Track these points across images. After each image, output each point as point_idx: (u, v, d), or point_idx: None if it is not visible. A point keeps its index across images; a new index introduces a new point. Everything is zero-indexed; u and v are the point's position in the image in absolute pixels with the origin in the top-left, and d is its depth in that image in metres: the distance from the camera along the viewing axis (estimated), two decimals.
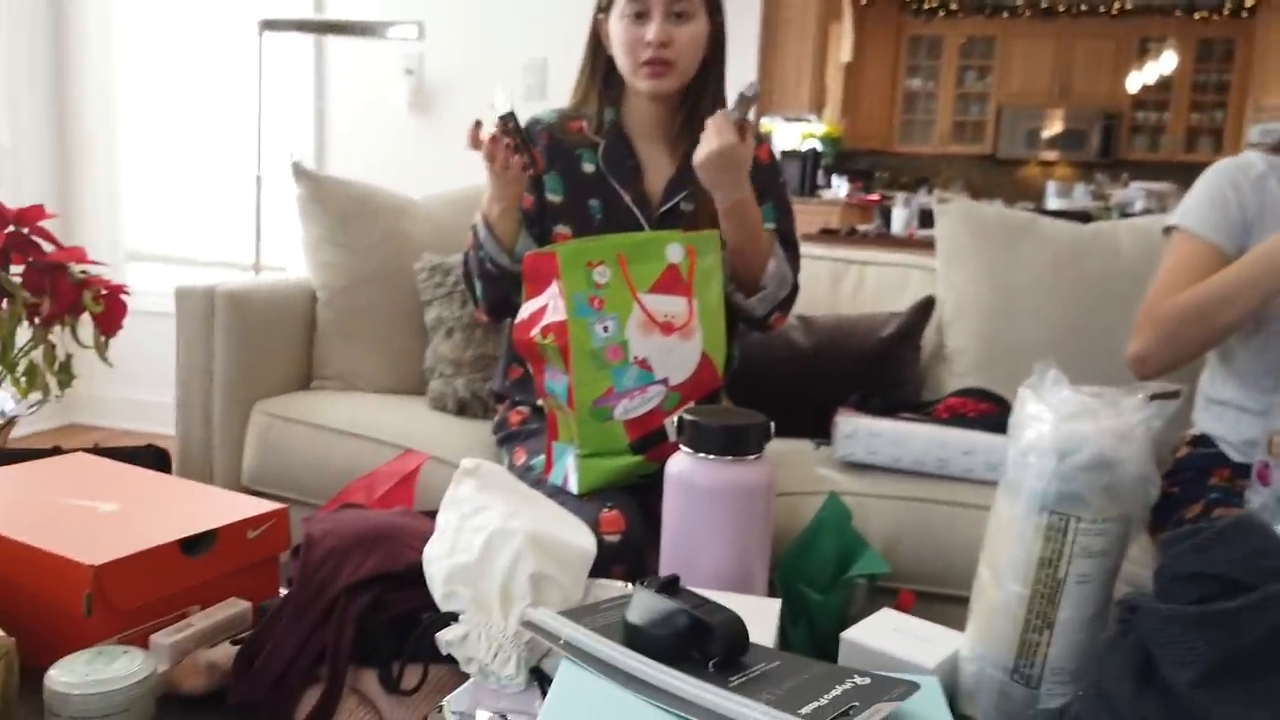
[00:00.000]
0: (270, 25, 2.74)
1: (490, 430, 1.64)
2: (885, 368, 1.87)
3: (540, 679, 0.77)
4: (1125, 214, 5.38)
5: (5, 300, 1.33)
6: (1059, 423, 0.80)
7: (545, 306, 1.30)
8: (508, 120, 1.34)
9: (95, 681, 0.76)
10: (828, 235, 4.43)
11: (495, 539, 0.83)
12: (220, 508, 0.98)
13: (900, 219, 4.71)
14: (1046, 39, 8.21)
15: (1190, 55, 7.89)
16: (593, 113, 1.52)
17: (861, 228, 4.91)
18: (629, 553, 1.23)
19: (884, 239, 4.36)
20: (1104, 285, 1.81)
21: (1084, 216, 4.46)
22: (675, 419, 0.94)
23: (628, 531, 1.24)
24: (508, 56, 3.05)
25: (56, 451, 1.17)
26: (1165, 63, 6.92)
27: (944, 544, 1.49)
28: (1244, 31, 7.76)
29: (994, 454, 1.51)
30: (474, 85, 3.09)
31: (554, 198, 1.50)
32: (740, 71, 5.36)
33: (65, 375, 1.41)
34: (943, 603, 1.41)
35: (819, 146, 6.68)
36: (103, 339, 1.42)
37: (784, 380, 1.87)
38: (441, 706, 0.74)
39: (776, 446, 1.69)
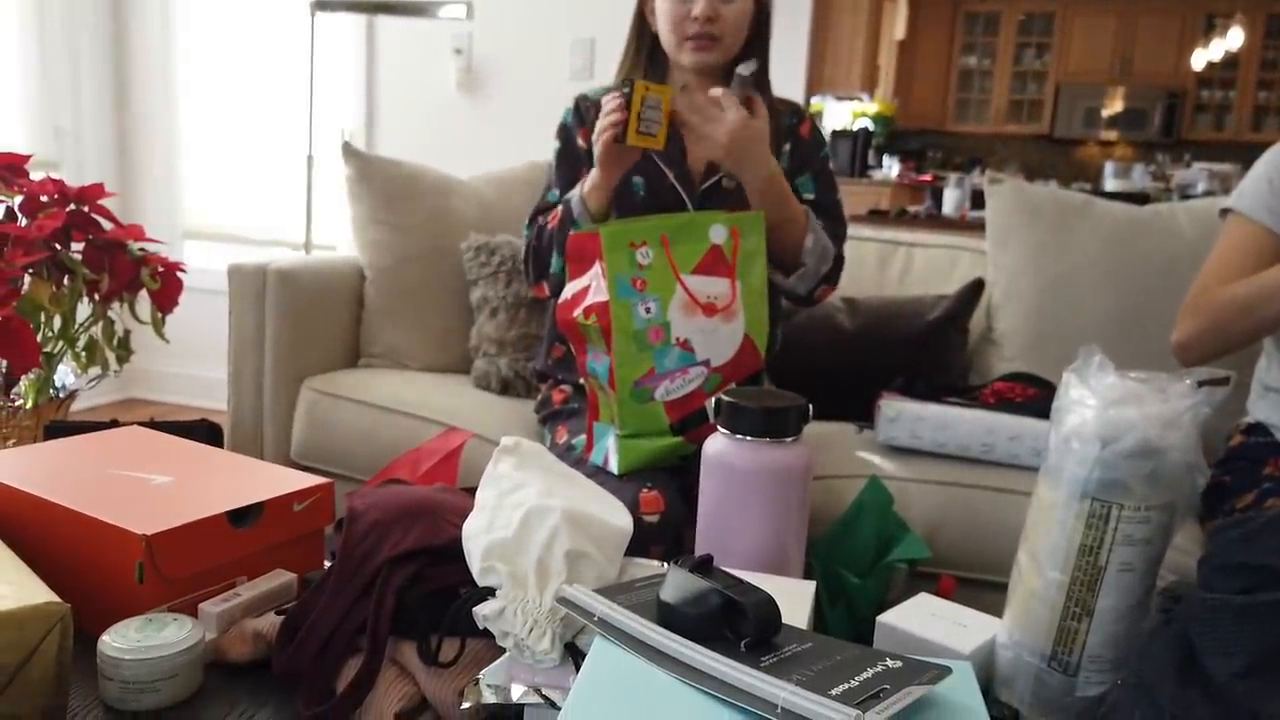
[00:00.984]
0: (322, 6, 2.77)
1: (533, 409, 1.65)
2: (931, 351, 1.85)
3: (574, 654, 0.77)
4: (1186, 196, 5.23)
5: (66, 277, 1.37)
6: (1103, 408, 0.78)
7: (588, 287, 1.31)
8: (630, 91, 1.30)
9: (146, 647, 0.78)
10: (877, 216, 4.38)
11: (532, 515, 0.84)
12: (268, 481, 1.01)
13: (952, 200, 4.63)
14: (1108, 16, 7.98)
15: (1259, 31, 7.62)
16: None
17: (912, 209, 4.84)
18: (668, 533, 1.24)
19: (934, 220, 4.29)
20: (1161, 269, 1.77)
21: (1142, 198, 4.34)
22: (713, 400, 0.94)
23: (667, 512, 1.25)
24: (556, 36, 3.04)
25: (114, 424, 1.20)
26: (1232, 39, 6.69)
27: (988, 530, 1.47)
28: None
29: (1040, 440, 1.49)
30: (522, 65, 3.09)
31: None
32: (793, 47, 5.27)
33: (124, 351, 1.45)
34: (985, 589, 1.40)
35: (870, 126, 6.58)
36: (160, 315, 1.46)
37: (828, 363, 1.86)
38: (478, 679, 0.75)
39: (818, 429, 1.70)
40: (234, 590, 0.91)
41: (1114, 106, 8.08)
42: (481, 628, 0.78)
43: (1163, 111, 7.94)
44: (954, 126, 8.59)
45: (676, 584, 0.75)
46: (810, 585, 0.85)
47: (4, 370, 1.34)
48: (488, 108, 3.13)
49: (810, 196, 1.53)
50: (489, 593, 0.80)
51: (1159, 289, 1.75)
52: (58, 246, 1.36)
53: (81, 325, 1.41)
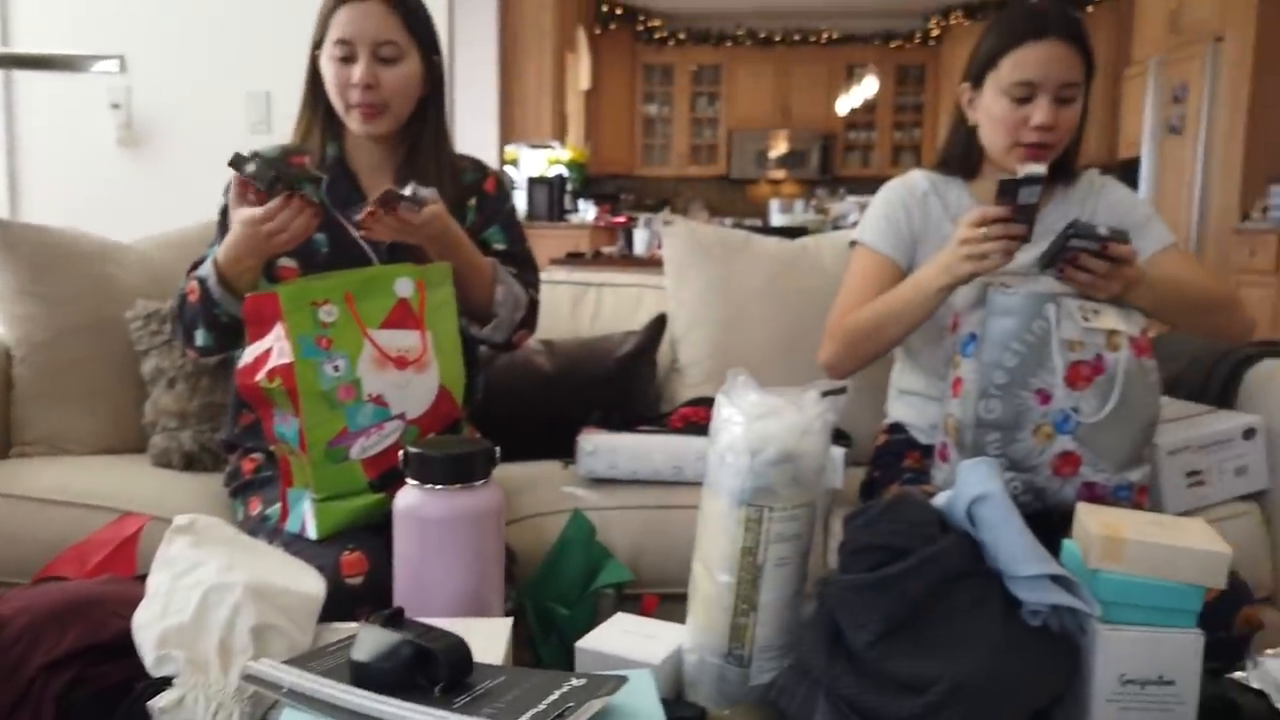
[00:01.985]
0: None
1: (222, 483, 1.56)
2: (624, 384, 1.96)
3: None
4: (838, 226, 5.90)
5: None
6: (749, 423, 0.88)
7: (270, 349, 1.26)
8: (252, 170, 1.25)
9: None
10: (575, 258, 4.55)
11: (211, 594, 0.81)
12: None
13: (642, 240, 4.92)
14: (767, 66, 8.85)
15: (890, 80, 8.78)
16: (316, 148, 1.50)
17: (607, 250, 5.08)
18: (374, 594, 1.21)
19: (628, 260, 4.53)
20: (812, 296, 1.99)
21: (801, 231, 4.85)
22: (401, 453, 0.95)
23: (371, 572, 1.22)
24: (227, 89, 2.91)
25: None
26: (869, 87, 7.66)
27: (684, 547, 1.56)
28: (933, 57, 8.74)
29: None
30: (191, 119, 2.92)
31: None
32: (484, 99, 5.36)
33: None
34: (684, 602, 1.50)
35: (565, 172, 6.83)
36: None
37: (531, 405, 1.91)
38: None
39: (527, 469, 1.75)
40: None
41: (779, 148, 8.96)
42: None
43: (819, 152, 8.92)
44: (642, 170, 9.12)
45: (368, 641, 0.75)
46: (506, 622, 0.88)
47: None
48: (153, 164, 2.92)
49: (501, 246, 1.57)
50: (166, 683, 0.76)
51: (810, 314, 1.96)
52: None
53: None
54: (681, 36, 8.76)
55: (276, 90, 2.91)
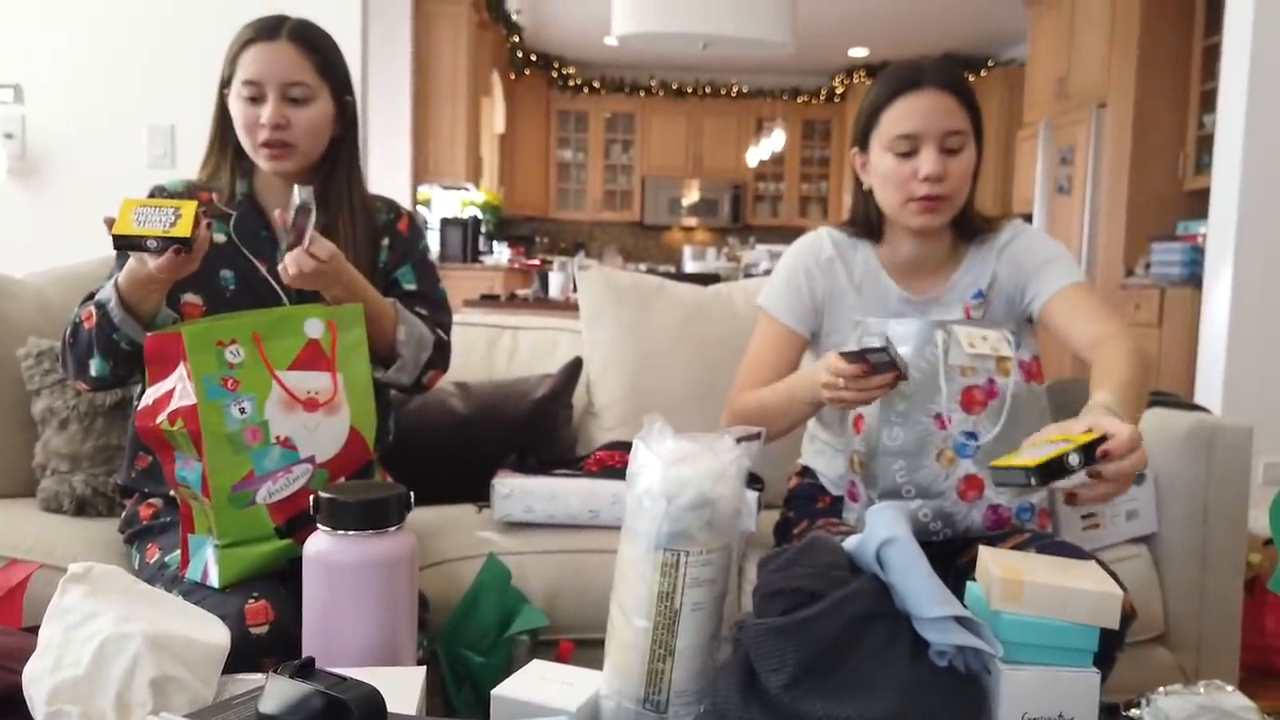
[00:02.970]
0: None
1: (117, 528, 1.49)
2: (540, 427, 1.95)
3: None
4: (749, 274, 6.02)
5: None
6: (666, 468, 0.90)
7: (172, 390, 1.23)
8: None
9: None
10: (489, 300, 4.53)
11: (108, 646, 0.77)
12: None
13: (557, 283, 4.93)
14: (679, 116, 9.05)
15: (797, 133, 9.07)
16: (225, 184, 1.48)
17: (521, 292, 5.07)
18: (280, 643, 1.17)
19: (542, 303, 4.53)
20: (725, 341, 2.02)
21: (714, 278, 4.94)
22: (312, 498, 0.93)
23: (277, 621, 1.18)
24: (129, 122, 2.82)
25: None
26: (777, 140, 7.88)
27: (600, 591, 1.56)
28: (838, 114, 9.07)
29: None
30: (90, 151, 2.83)
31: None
32: (397, 139, 5.32)
33: None
34: (601, 647, 1.49)
35: (479, 214, 6.81)
36: None
37: (445, 447, 1.89)
38: None
39: (440, 513, 1.72)
40: None
41: (691, 196, 9.13)
42: None
43: (730, 201, 9.12)
44: (556, 214, 9.17)
45: (277, 692, 0.73)
46: (419, 671, 0.86)
47: None
48: (48, 197, 2.81)
49: (412, 287, 1.56)
50: None
51: (723, 359, 1.99)
52: None
53: None
54: (595, 85, 8.90)
55: (182, 124, 2.84)
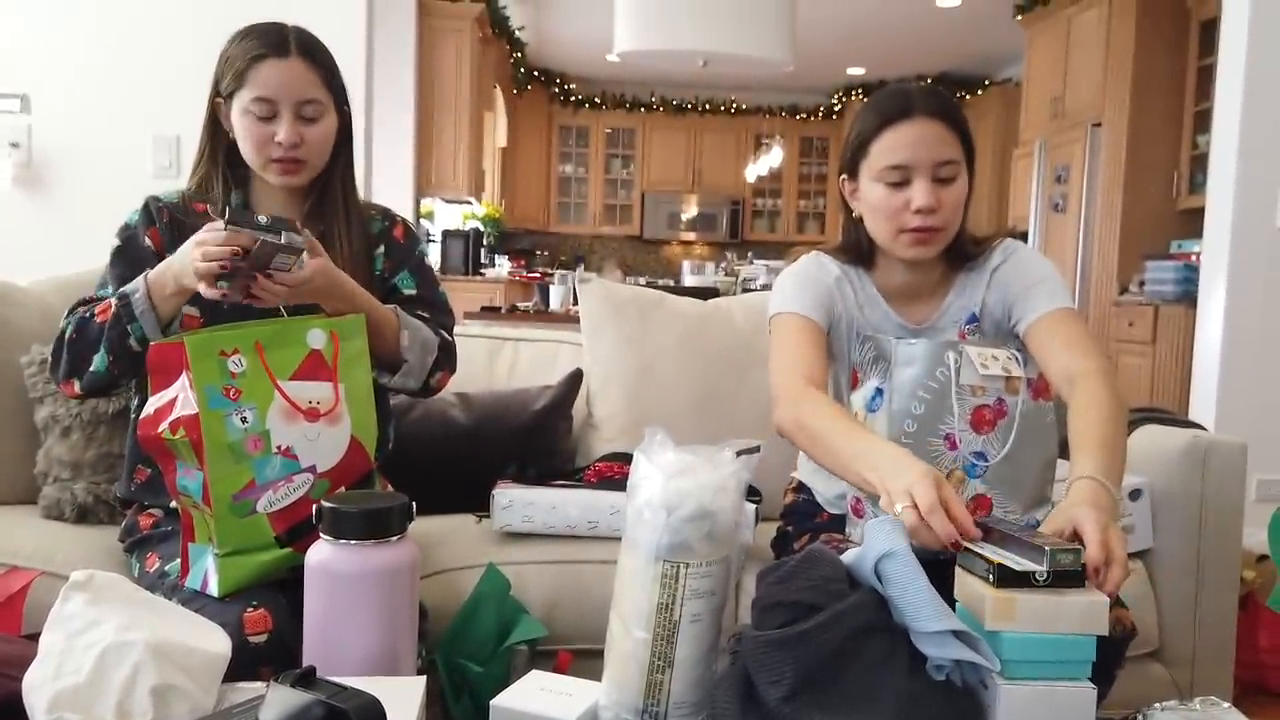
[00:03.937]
0: None
1: (117, 537, 1.50)
2: (540, 438, 1.96)
3: None
4: (747, 288, 6.04)
5: None
6: (666, 480, 0.90)
7: (174, 400, 1.23)
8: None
9: None
10: (490, 312, 4.54)
11: (110, 654, 0.78)
12: None
13: (557, 296, 4.95)
14: (679, 132, 9.09)
15: (795, 150, 9.12)
16: (218, 196, 1.47)
17: (522, 304, 5.09)
18: (278, 652, 1.17)
19: (543, 315, 4.54)
20: (723, 355, 2.04)
21: (713, 292, 4.96)
22: (315, 507, 0.93)
23: (275, 630, 1.18)
24: (134, 132, 2.84)
25: None
26: (775, 156, 7.92)
27: (599, 602, 1.56)
28: (835, 131, 9.11)
29: None
30: (95, 161, 2.84)
31: None
32: (400, 153, 5.33)
33: None
34: (599, 658, 1.49)
35: (480, 227, 6.83)
36: None
37: (445, 457, 1.89)
38: None
39: (440, 523, 1.73)
40: None
41: (690, 211, 9.16)
42: None
43: (728, 216, 9.16)
44: (557, 228, 9.20)
45: (278, 701, 0.74)
46: (419, 681, 0.87)
47: None
48: (53, 206, 2.82)
49: (411, 291, 1.57)
50: None
51: (725, 369, 2.01)
52: None
53: None
54: (597, 100, 8.94)
55: (187, 134, 2.86)
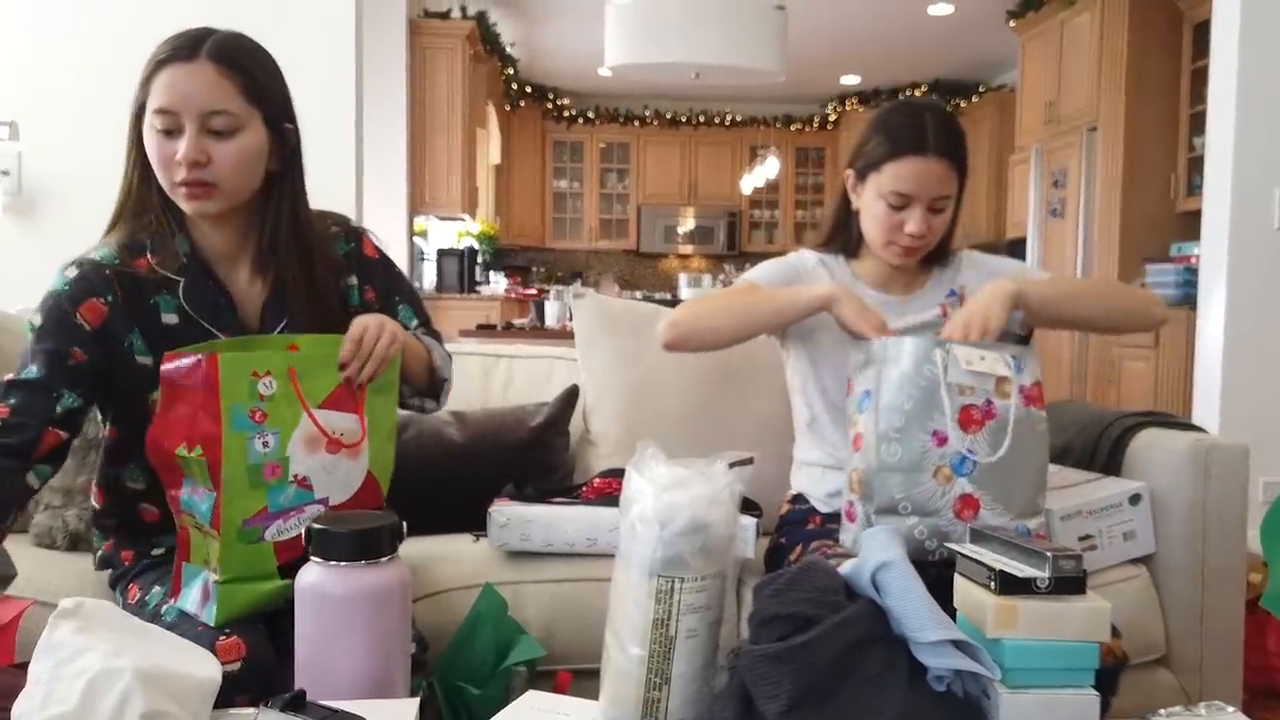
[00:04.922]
0: None
1: (94, 565, 1.47)
2: (537, 456, 1.95)
3: None
4: None
5: None
6: (659, 494, 0.89)
7: (192, 415, 1.18)
8: None
9: None
10: (486, 330, 4.53)
11: (98, 681, 0.77)
12: None
13: (553, 312, 4.94)
14: (674, 146, 9.11)
15: (791, 161, 9.13)
16: (160, 241, 1.29)
17: (518, 321, 5.08)
18: (254, 679, 1.11)
19: (539, 331, 4.54)
20: (720, 367, 2.03)
21: None
22: (304, 529, 0.92)
23: (249, 658, 1.13)
24: (122, 157, 2.85)
25: None
26: (771, 167, 7.93)
27: (598, 621, 1.54)
28: (831, 141, 9.13)
29: None
30: (86, 187, 2.84)
31: (144, 359, 1.29)
32: (393, 171, 5.34)
33: None
34: (599, 677, 1.48)
35: (475, 244, 6.84)
36: None
37: (442, 476, 1.88)
38: None
39: (437, 543, 1.71)
40: None
41: (686, 224, 9.17)
42: None
43: (725, 228, 9.16)
44: (553, 244, 9.21)
45: None
46: (412, 703, 0.86)
47: None
48: (44, 233, 2.82)
49: (414, 322, 1.50)
50: None
51: (720, 382, 2.00)
52: None
53: None
54: (590, 115, 8.96)
55: None
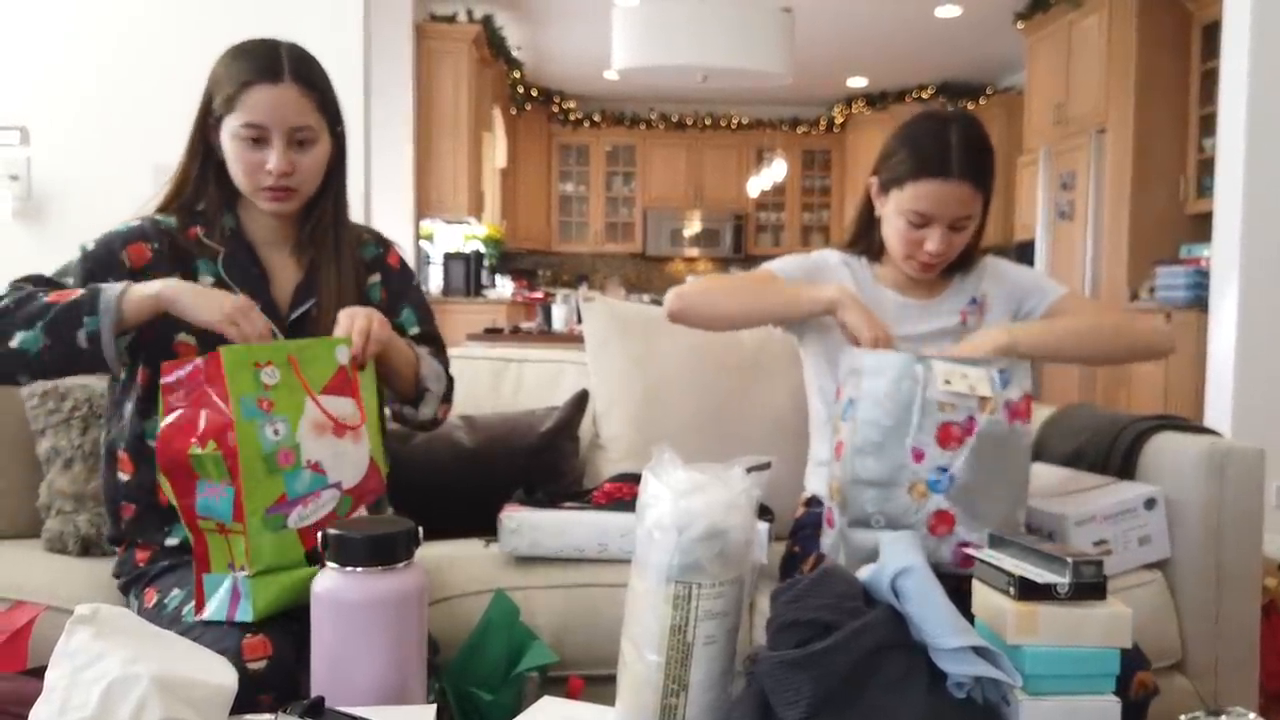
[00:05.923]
0: None
1: (112, 573, 1.47)
2: (547, 460, 1.94)
3: None
4: None
5: None
6: (676, 500, 0.89)
7: (196, 417, 1.20)
8: None
9: None
10: (493, 334, 4.53)
11: (115, 688, 0.76)
12: None
13: (560, 315, 4.94)
14: (679, 149, 9.10)
15: (797, 164, 9.11)
16: (210, 217, 1.43)
17: (525, 325, 5.08)
18: (278, 678, 1.13)
19: (546, 335, 4.53)
20: (731, 372, 2.02)
21: None
22: (320, 534, 0.91)
23: (275, 655, 1.14)
24: (133, 162, 2.85)
25: None
26: (777, 170, 7.91)
27: (610, 626, 1.54)
28: (838, 143, 9.12)
29: None
30: (94, 192, 2.85)
31: None
32: (400, 174, 5.33)
33: None
34: (612, 683, 1.47)
35: (481, 248, 6.84)
36: None
37: (451, 481, 1.87)
38: None
39: (447, 548, 1.71)
40: None
41: (693, 227, 9.16)
42: None
43: (732, 231, 9.15)
44: (559, 247, 9.20)
45: None
46: (430, 710, 0.85)
47: None
48: (53, 238, 2.83)
49: (416, 330, 1.54)
50: None
51: (734, 387, 1.99)
52: None
53: None
54: (596, 118, 8.96)
55: None
